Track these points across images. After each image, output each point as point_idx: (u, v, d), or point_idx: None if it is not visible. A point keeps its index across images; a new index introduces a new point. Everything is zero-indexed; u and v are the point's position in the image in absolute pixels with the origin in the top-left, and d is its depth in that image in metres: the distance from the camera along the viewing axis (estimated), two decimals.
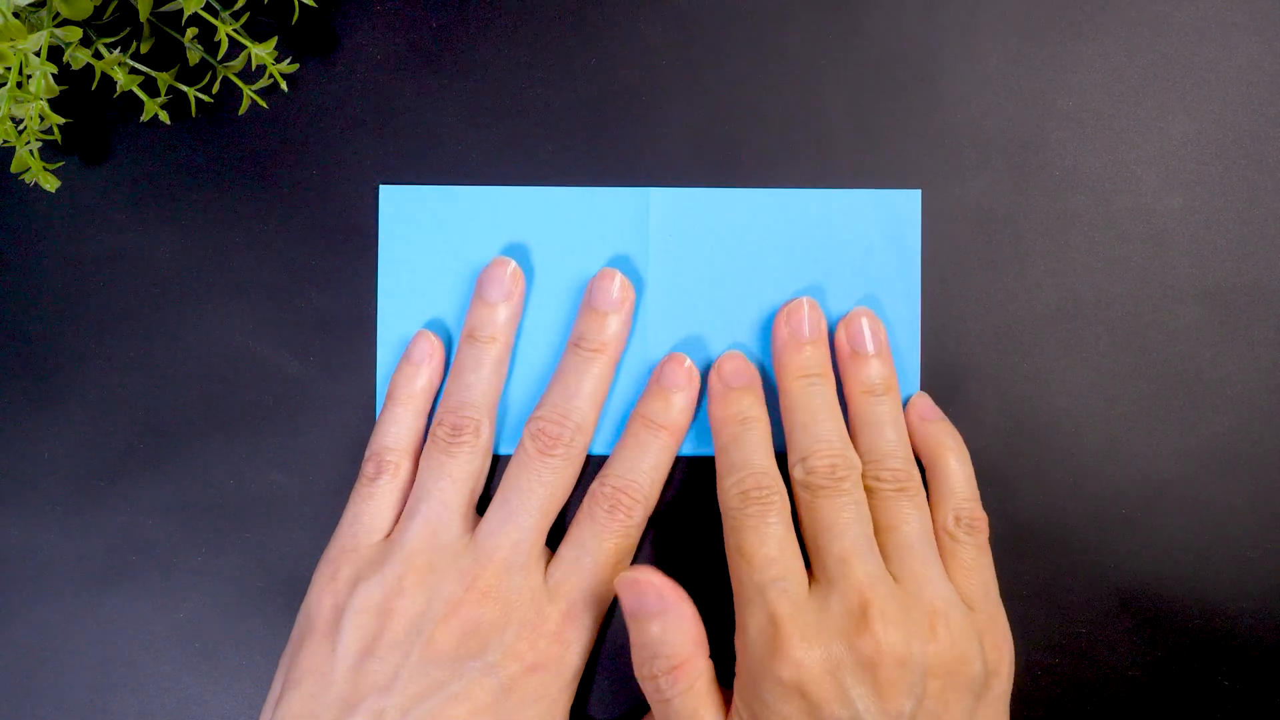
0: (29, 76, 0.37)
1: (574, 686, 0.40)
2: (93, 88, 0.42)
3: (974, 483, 0.41)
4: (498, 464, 0.43)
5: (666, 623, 0.38)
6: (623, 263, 0.43)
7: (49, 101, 0.39)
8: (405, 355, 0.42)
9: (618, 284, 0.42)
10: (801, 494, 0.40)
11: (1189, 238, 0.43)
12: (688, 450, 0.43)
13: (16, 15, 0.36)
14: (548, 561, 0.41)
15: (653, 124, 0.43)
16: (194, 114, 0.42)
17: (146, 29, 0.41)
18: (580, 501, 0.42)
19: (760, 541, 0.38)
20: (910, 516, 0.40)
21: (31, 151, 0.39)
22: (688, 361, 0.42)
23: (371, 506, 0.41)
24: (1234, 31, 0.43)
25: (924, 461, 0.42)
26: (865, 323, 0.42)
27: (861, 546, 0.38)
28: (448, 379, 0.42)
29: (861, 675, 0.36)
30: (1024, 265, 0.43)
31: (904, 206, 0.43)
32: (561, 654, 0.40)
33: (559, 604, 0.40)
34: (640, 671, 0.39)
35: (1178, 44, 0.43)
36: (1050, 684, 0.43)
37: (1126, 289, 0.43)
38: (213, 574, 0.43)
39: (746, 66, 0.43)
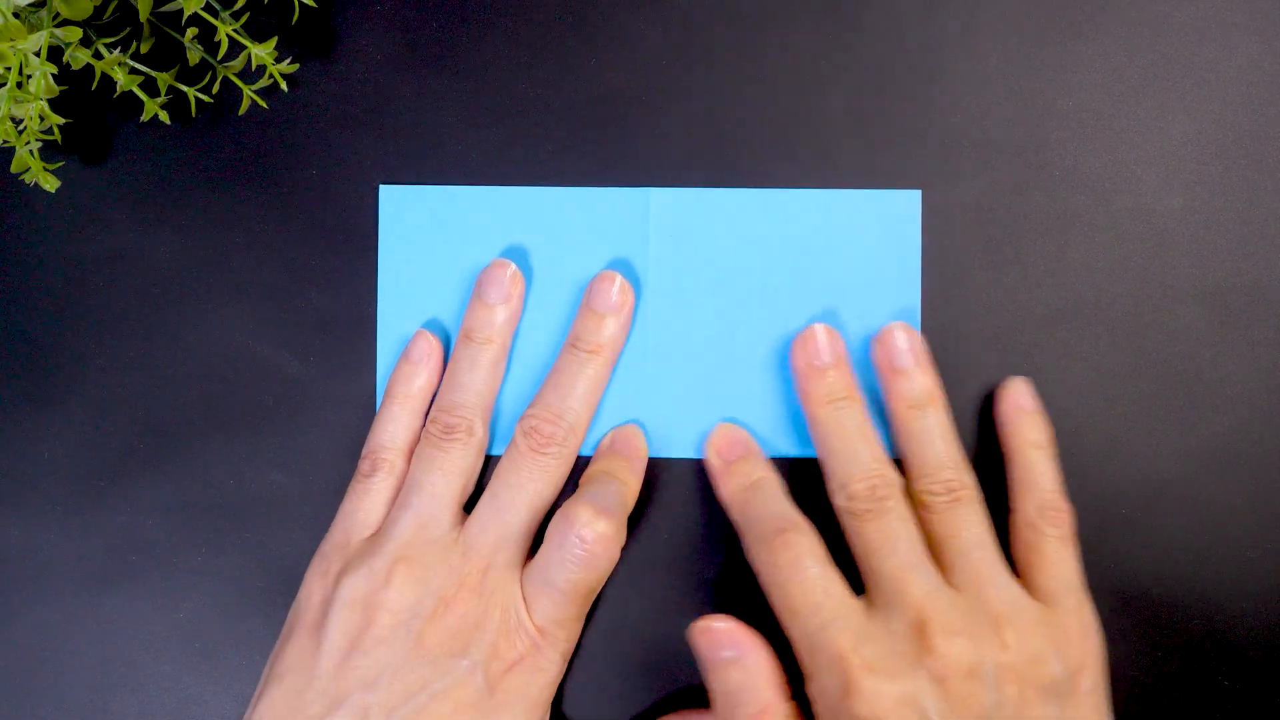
0: (29, 76, 0.37)
1: (556, 684, 0.40)
2: (93, 88, 0.42)
3: (1058, 474, 0.41)
4: (490, 464, 0.43)
5: (745, 669, 0.38)
6: (622, 263, 0.43)
7: (49, 101, 0.39)
8: (404, 355, 0.42)
9: (617, 286, 0.42)
10: (847, 520, 0.39)
11: (1189, 238, 0.43)
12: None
13: (16, 15, 0.36)
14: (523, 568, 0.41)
15: (653, 124, 0.43)
16: (194, 114, 0.42)
17: (146, 29, 0.41)
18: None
19: (802, 591, 0.38)
20: (969, 522, 0.39)
21: (31, 151, 0.39)
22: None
23: (366, 503, 0.41)
24: (1234, 31, 0.43)
25: (1006, 453, 0.41)
26: (901, 337, 0.41)
27: (913, 561, 0.38)
28: (445, 376, 0.42)
29: (935, 693, 0.36)
30: (1024, 265, 0.43)
31: (904, 206, 0.43)
32: (543, 654, 0.39)
33: (534, 609, 0.39)
34: None
35: (1178, 44, 0.43)
36: None
37: (1126, 289, 0.43)
38: (213, 574, 0.43)
39: (746, 66, 0.43)
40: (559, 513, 0.40)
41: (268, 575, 0.43)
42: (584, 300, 0.42)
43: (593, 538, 0.39)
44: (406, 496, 0.41)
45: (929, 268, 0.43)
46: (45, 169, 0.39)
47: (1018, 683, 0.36)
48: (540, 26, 0.43)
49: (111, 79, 0.42)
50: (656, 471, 0.43)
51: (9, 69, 0.36)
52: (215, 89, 0.42)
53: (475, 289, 0.42)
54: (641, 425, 0.43)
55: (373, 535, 0.40)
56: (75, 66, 0.38)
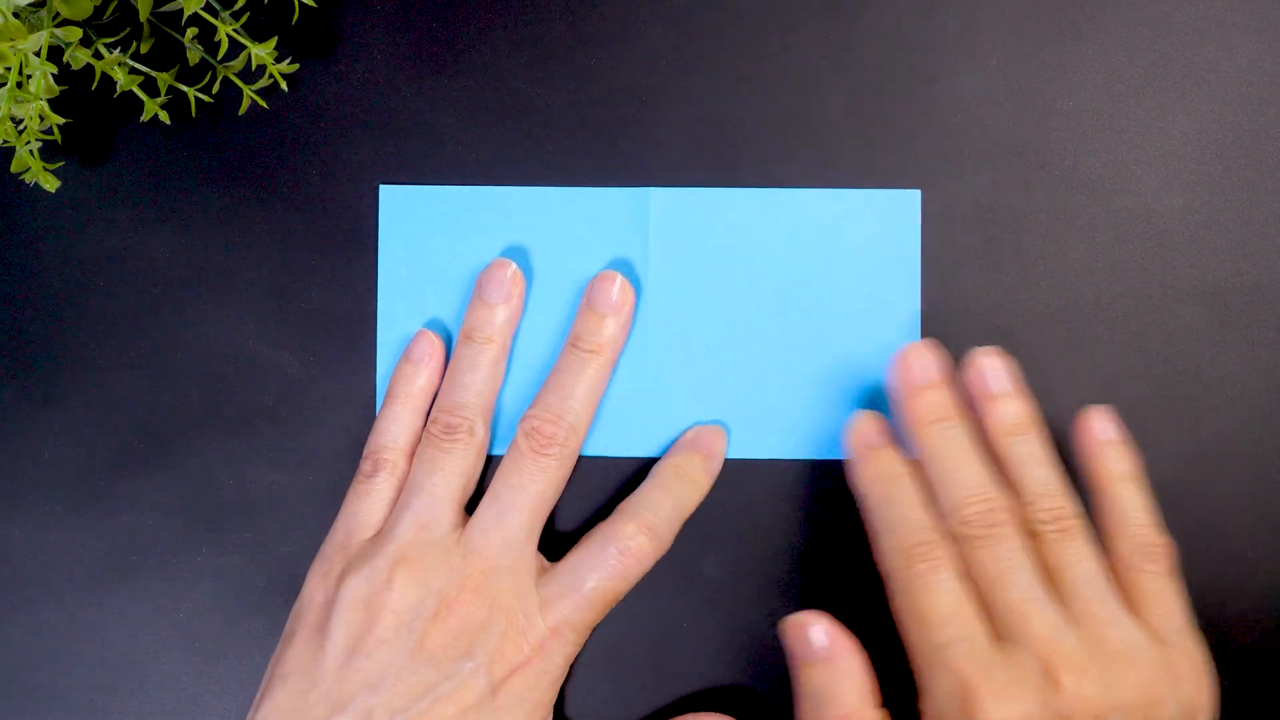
0: (29, 76, 0.37)
1: (558, 687, 0.40)
2: (93, 88, 0.42)
3: (1150, 508, 0.40)
4: (492, 465, 0.43)
5: (833, 670, 0.38)
6: (622, 263, 0.43)
7: (49, 101, 0.39)
8: (405, 354, 0.42)
9: (618, 286, 0.42)
10: (961, 547, 0.38)
11: (1189, 238, 0.43)
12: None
13: (16, 15, 0.36)
14: (539, 563, 0.41)
15: (653, 124, 0.43)
16: (194, 114, 0.42)
17: (146, 29, 0.41)
18: (571, 503, 0.42)
19: (933, 601, 0.37)
20: (1079, 555, 0.38)
21: (31, 151, 0.39)
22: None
23: (367, 504, 0.41)
24: (1234, 31, 0.43)
25: (1093, 489, 0.40)
26: (992, 363, 0.40)
27: (1035, 595, 0.37)
28: (445, 376, 0.42)
29: None
30: (1024, 265, 0.43)
31: (904, 206, 0.43)
32: (548, 657, 0.39)
33: (549, 611, 0.39)
34: None
35: (1178, 44, 0.43)
36: None
37: (1126, 289, 0.43)
38: (213, 574, 0.43)
39: (746, 66, 0.43)
40: (606, 520, 0.40)
41: (268, 575, 0.43)
42: (584, 300, 0.42)
43: (633, 550, 0.40)
44: (407, 498, 0.40)
45: (929, 268, 0.43)
46: (45, 169, 0.39)
47: None
48: (540, 26, 0.43)
49: (111, 79, 0.42)
50: None
51: (9, 69, 0.36)
52: (215, 89, 0.42)
53: (476, 289, 0.42)
54: (646, 424, 0.43)
55: (374, 536, 0.40)
56: (75, 66, 0.38)
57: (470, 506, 0.42)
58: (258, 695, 0.39)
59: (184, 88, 0.41)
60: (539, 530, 0.41)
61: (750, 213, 0.43)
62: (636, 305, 0.43)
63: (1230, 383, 0.43)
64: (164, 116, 0.41)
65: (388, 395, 0.42)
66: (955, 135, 0.43)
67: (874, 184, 0.43)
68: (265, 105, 0.43)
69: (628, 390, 0.43)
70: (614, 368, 0.42)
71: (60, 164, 0.42)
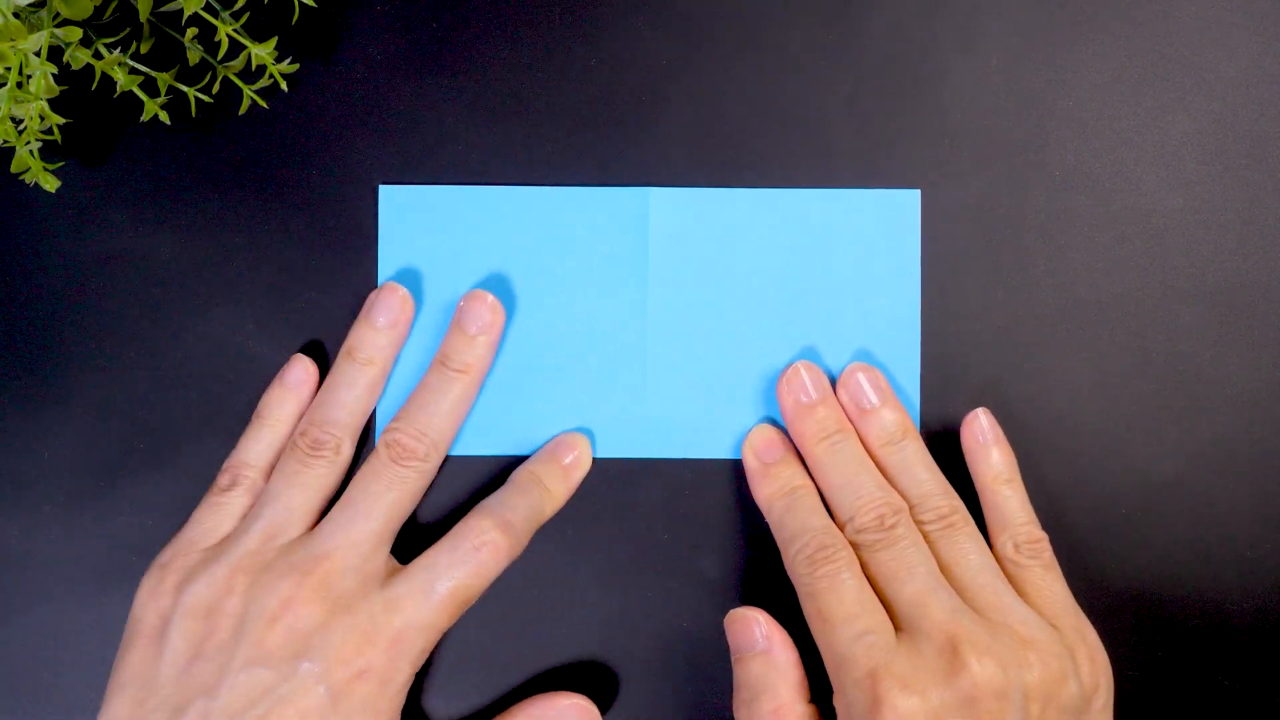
0: (29, 76, 0.37)
1: (403, 696, 0.39)
2: (93, 88, 0.42)
3: (1028, 504, 0.41)
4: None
5: (769, 664, 0.39)
6: (623, 263, 0.43)
7: (49, 101, 0.39)
8: (279, 377, 0.42)
9: (489, 306, 0.42)
10: (860, 553, 0.40)
11: (1189, 238, 0.43)
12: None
13: (16, 15, 0.36)
14: (389, 567, 0.40)
15: (653, 124, 0.43)
16: (194, 114, 0.42)
17: (146, 29, 0.41)
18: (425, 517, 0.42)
19: (838, 601, 0.38)
20: (967, 549, 0.40)
21: (31, 151, 0.39)
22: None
23: (217, 516, 0.41)
24: (1234, 31, 0.43)
25: (978, 490, 0.42)
26: (862, 377, 0.42)
27: (932, 584, 0.38)
28: (320, 390, 0.42)
29: (965, 713, 0.36)
30: (1024, 265, 0.43)
31: (904, 206, 0.43)
32: (395, 662, 0.38)
33: (396, 613, 0.39)
34: (738, 712, 0.39)
35: (1178, 44, 0.43)
36: None
37: (1126, 289, 0.43)
38: None
39: (746, 67, 0.43)
40: (462, 520, 0.40)
41: None
42: (454, 319, 0.42)
43: (488, 544, 0.39)
44: (260, 508, 0.40)
45: (929, 268, 0.43)
46: (45, 169, 0.39)
47: (1041, 702, 0.37)
48: (540, 26, 0.43)
49: (111, 79, 0.42)
50: (655, 472, 0.43)
51: (9, 69, 0.36)
52: (215, 89, 0.42)
53: (364, 309, 0.42)
54: (647, 424, 0.43)
55: (218, 544, 0.40)
56: (75, 66, 0.38)
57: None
58: (101, 707, 0.39)
59: (184, 88, 0.41)
60: (391, 537, 0.40)
61: (750, 213, 0.43)
62: (637, 304, 0.43)
63: (1230, 383, 0.43)
64: (164, 117, 0.41)
65: (256, 414, 0.42)
66: (955, 135, 0.43)
67: (874, 184, 0.43)
68: (265, 105, 0.43)
69: (626, 389, 0.43)
70: (481, 385, 0.42)
71: (60, 164, 0.42)
